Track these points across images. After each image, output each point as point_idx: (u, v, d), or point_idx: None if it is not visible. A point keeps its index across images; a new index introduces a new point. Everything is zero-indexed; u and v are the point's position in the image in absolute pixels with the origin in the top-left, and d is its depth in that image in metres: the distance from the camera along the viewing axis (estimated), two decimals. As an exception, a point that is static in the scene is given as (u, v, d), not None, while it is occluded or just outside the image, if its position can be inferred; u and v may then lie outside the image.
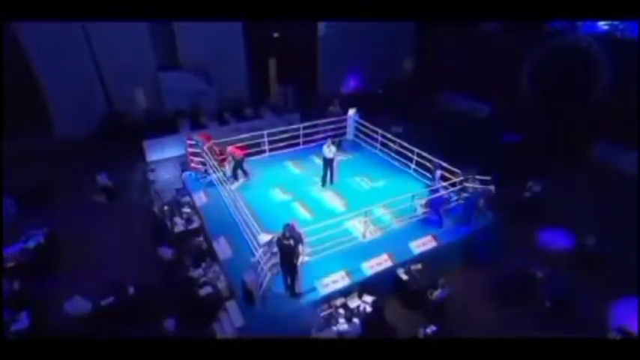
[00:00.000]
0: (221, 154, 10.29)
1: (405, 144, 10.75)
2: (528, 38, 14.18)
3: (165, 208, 9.75)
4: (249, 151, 10.95)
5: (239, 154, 10.20)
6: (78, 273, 8.38)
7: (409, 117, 15.17)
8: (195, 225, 9.33)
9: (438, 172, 9.15)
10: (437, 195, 8.64)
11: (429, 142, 10.64)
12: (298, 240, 6.69)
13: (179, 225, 9.31)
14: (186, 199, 10.22)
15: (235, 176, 10.29)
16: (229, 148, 10.20)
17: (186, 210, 9.76)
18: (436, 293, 7.57)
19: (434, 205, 8.54)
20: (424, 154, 10.00)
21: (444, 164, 9.29)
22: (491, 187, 8.46)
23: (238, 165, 10.19)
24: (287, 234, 6.58)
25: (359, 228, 8.50)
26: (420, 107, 16.86)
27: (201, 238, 8.98)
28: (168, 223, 9.33)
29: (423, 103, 17.33)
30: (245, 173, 10.40)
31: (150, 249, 8.85)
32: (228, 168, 10.37)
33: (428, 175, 9.90)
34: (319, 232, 7.58)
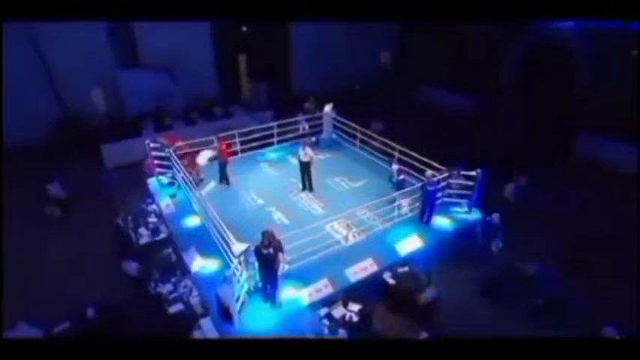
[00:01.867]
0: (189, 158, 9.84)
1: (387, 140, 10.65)
2: (509, 30, 14.39)
3: (129, 218, 9.35)
4: (232, 150, 10.75)
5: (226, 155, 9.90)
6: (26, 297, 7.76)
7: (389, 113, 15.17)
8: (162, 235, 8.96)
9: (395, 167, 9.15)
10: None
11: (410, 138, 10.64)
12: (278, 248, 6.44)
13: (144, 236, 8.92)
14: (152, 207, 9.82)
15: (225, 179, 10.06)
16: (222, 144, 9.89)
17: (152, 219, 9.38)
18: (424, 296, 7.45)
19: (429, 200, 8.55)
20: (406, 150, 9.90)
21: (434, 163, 9.26)
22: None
23: (223, 167, 9.94)
24: (266, 242, 6.31)
25: (340, 231, 8.36)
26: (399, 102, 16.94)
27: (169, 250, 8.62)
28: (133, 235, 8.93)
29: (403, 98, 17.42)
30: (226, 179, 10.10)
31: (112, 265, 8.36)
32: (198, 170, 9.97)
33: (415, 171, 9.89)
34: (298, 237, 7.37)
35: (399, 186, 9.28)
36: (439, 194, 8.78)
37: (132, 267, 8.13)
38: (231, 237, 7.03)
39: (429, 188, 8.43)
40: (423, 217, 8.75)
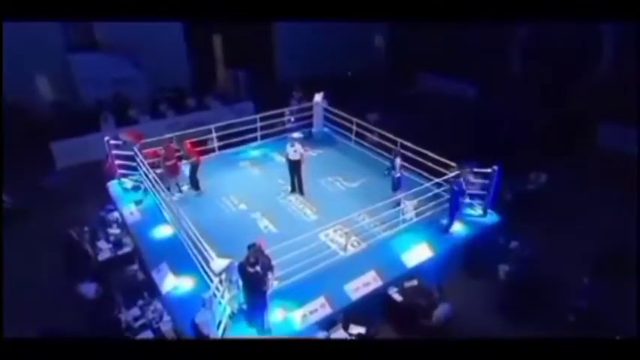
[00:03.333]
0: (168, 154, 9.47)
1: (386, 133, 10.63)
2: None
3: (85, 229, 9.06)
4: (203, 148, 10.60)
5: (195, 155, 9.68)
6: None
7: (386, 102, 15.22)
8: (126, 250, 8.80)
9: (398, 161, 9.15)
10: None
11: (411, 130, 10.59)
12: (268, 266, 6.17)
13: (104, 251, 8.72)
14: (114, 215, 9.62)
15: (196, 185, 9.81)
16: (185, 144, 9.64)
17: (114, 231, 9.20)
18: (436, 314, 7.20)
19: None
20: (409, 144, 9.84)
21: (441, 158, 9.15)
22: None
23: (195, 170, 9.74)
24: (252, 259, 6.00)
25: (338, 240, 8.17)
26: (397, 90, 17.10)
27: (135, 267, 8.42)
28: (90, 250, 8.67)
29: (401, 85, 17.57)
30: (195, 184, 9.84)
31: (65, 287, 8.02)
32: (173, 176, 9.70)
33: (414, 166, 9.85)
34: (289, 249, 7.10)
35: (396, 184, 9.15)
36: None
37: (89, 289, 7.88)
38: (210, 251, 6.75)
39: (456, 188, 8.17)
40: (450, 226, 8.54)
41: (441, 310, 7.26)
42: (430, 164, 9.25)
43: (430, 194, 8.82)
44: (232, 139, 11.41)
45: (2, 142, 12.23)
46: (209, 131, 10.91)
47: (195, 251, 7.41)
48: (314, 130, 12.64)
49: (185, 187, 9.93)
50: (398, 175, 9.17)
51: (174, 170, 9.50)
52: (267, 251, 6.45)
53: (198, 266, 7.31)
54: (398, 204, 8.66)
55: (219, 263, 6.25)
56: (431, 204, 8.80)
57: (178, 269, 7.55)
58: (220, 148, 11.36)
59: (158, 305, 7.43)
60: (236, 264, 6.27)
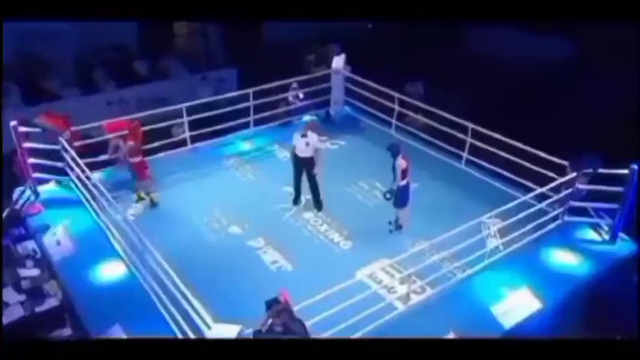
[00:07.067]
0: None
1: (442, 113, 10.76)
2: None
3: None
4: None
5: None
6: None
7: (431, 66, 15.31)
8: (49, 303, 8.34)
9: (402, 162, 8.82)
10: None
11: (474, 107, 10.88)
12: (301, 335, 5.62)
13: (13, 307, 8.18)
14: (27, 246, 9.32)
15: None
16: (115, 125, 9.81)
17: (28, 272, 8.74)
18: None
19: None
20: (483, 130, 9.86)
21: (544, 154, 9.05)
22: None
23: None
24: (278, 326, 5.43)
25: (391, 286, 7.89)
26: (449, 48, 17.27)
27: (66, 332, 7.99)
28: None
29: (455, 41, 17.74)
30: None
31: None
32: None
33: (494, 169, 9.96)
34: (321, 305, 6.63)
35: (402, 199, 8.85)
36: None
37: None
38: (201, 309, 6.32)
39: None
40: None
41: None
42: (513, 159, 9.28)
43: (527, 212, 8.44)
44: (213, 126, 11.47)
45: None
46: (178, 113, 10.86)
47: (168, 303, 7.03)
48: (332, 110, 12.75)
49: (154, 194, 9.84)
50: (403, 183, 8.74)
51: (142, 171, 9.55)
52: (295, 312, 5.84)
53: (174, 327, 6.88)
54: (480, 229, 8.35)
55: (223, 334, 5.71)
56: (529, 226, 8.46)
57: (140, 334, 6.96)
58: (194, 139, 11.38)
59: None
60: (246, 332, 5.69)
